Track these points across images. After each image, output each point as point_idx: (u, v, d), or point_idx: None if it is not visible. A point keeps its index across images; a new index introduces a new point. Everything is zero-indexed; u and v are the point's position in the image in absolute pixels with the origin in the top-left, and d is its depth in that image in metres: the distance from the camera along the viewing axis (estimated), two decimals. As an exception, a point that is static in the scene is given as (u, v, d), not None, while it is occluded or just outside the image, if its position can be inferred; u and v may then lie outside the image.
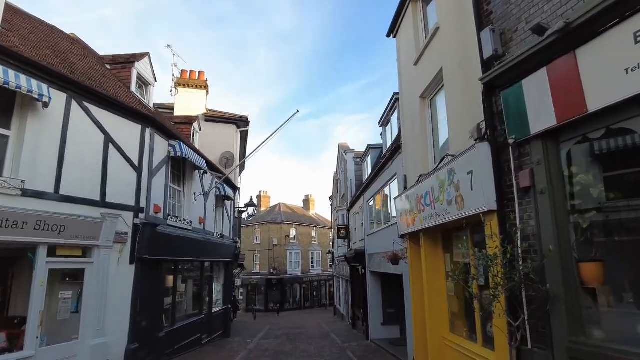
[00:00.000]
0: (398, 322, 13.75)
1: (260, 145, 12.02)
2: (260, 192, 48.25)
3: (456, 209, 5.76)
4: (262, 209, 47.20)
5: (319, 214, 52.39)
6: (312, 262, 45.47)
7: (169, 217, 10.06)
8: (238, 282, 43.42)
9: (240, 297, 43.07)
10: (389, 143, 13.02)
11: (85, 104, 7.64)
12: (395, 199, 9.17)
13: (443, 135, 7.64)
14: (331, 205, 31.57)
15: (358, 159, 20.64)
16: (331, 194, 31.79)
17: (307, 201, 52.29)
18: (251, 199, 17.17)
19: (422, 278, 7.89)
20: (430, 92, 7.90)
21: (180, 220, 10.81)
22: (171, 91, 17.32)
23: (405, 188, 8.80)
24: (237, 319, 30.36)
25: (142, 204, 8.81)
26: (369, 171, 16.12)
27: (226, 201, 15.46)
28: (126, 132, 8.66)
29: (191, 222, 11.49)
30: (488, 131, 5.11)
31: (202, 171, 12.04)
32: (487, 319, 6.01)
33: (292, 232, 43.34)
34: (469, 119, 5.84)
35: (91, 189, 7.63)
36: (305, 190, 69.13)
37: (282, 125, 11.97)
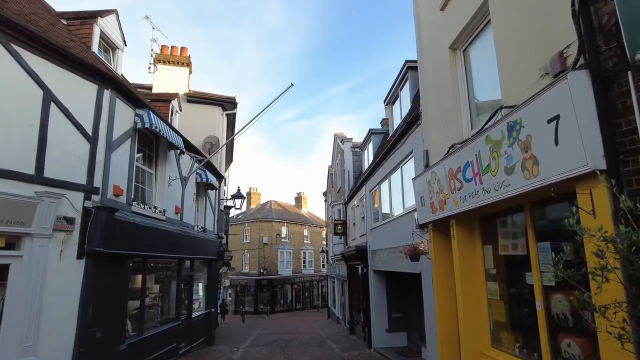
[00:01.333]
0: (405, 329, 12.07)
1: (253, 120, 10.25)
2: (250, 189, 46.30)
3: (522, 177, 4.06)
4: (252, 206, 45.29)
5: (311, 213, 50.63)
6: (304, 262, 43.68)
7: (134, 203, 8.22)
8: (226, 283, 41.47)
9: (229, 299, 41.12)
10: (396, 123, 11.34)
11: (15, 47, 5.79)
12: (413, 180, 7.46)
13: (482, 92, 5.98)
14: (325, 201, 29.82)
15: (357, 149, 18.96)
16: (325, 190, 30.05)
17: (299, 199, 50.47)
18: (238, 190, 15.40)
19: (454, 277, 6.20)
20: (463, 40, 6.21)
21: (151, 208, 8.97)
22: (149, 68, 15.43)
23: (427, 166, 7.11)
24: (225, 322, 28.48)
25: (97, 183, 6.97)
26: (371, 159, 14.43)
27: (209, 190, 13.63)
28: (76, 91, 6.81)
29: (165, 210, 9.65)
30: (586, 54, 3.42)
31: (178, 151, 10.20)
32: (558, 332, 4.34)
33: (284, 231, 41.50)
34: (536, 52, 4.17)
35: (22, 159, 5.77)
36: (296, 189, 67.06)
37: (275, 100, 10.23)
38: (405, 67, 10.09)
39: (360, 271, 14.67)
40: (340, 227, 18.12)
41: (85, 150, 6.85)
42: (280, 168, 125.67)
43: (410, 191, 8.79)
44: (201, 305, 13.75)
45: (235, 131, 18.26)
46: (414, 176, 7.67)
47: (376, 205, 12.27)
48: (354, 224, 16.80)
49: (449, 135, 6.43)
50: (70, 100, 6.63)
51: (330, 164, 26.84)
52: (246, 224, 41.29)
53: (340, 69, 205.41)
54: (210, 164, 13.63)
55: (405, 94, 10.54)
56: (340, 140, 20.42)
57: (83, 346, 6.42)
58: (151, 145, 9.65)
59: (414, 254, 6.98)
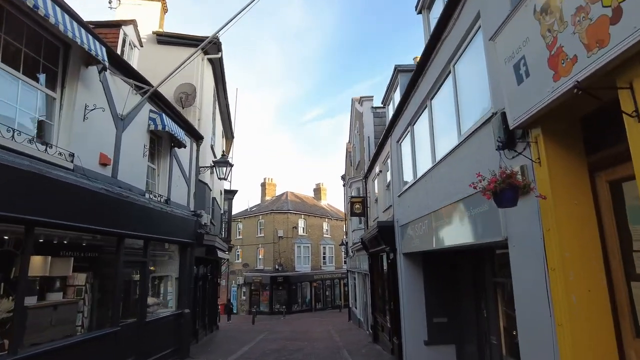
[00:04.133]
0: (454, 340, 8.13)
1: (233, 19, 6.75)
2: (265, 179, 42.98)
3: None
4: (267, 197, 41.94)
5: (331, 205, 46.75)
6: (324, 258, 39.89)
7: (-19, 124, 4.71)
8: (240, 281, 38.25)
9: (243, 297, 37.93)
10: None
11: None
12: (495, 38, 3.56)
13: None
14: (344, 185, 26.03)
15: (379, 110, 15.11)
16: (344, 173, 26.28)
17: (318, 190, 46.71)
18: (223, 155, 11.85)
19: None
20: None
21: (38, 144, 5.46)
22: (110, 2, 12.08)
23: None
24: (231, 323, 25.19)
25: None
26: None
27: (176, 149, 10.07)
28: None
29: (73, 155, 6.13)
30: None
31: (99, 67, 6.66)
32: None
33: (301, 223, 37.85)
34: None
35: None
36: (316, 183, 60.93)
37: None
38: None
39: (385, 259, 10.82)
40: (358, 206, 14.25)
41: None
42: (303, 166, 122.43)
43: (471, 102, 4.93)
44: (170, 304, 10.28)
45: (227, 86, 14.76)
46: (483, 57, 3.80)
47: (408, 159, 8.37)
48: (376, 199, 12.92)
49: None
50: None
51: (348, 141, 23.07)
52: (260, 216, 37.93)
53: (364, 66, 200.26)
54: (178, 115, 10.14)
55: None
56: (358, 102, 16.58)
57: None
58: (54, 55, 6.16)
59: (507, 190, 3.06)
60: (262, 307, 35.13)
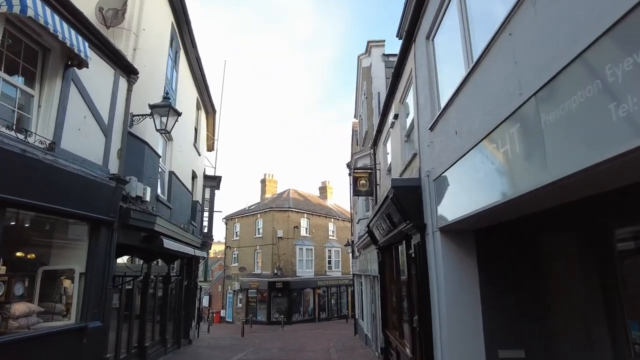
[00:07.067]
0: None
1: None
2: (265, 175, 39.36)
3: None
4: (267, 195, 38.28)
5: (338, 205, 42.85)
6: (330, 262, 35.95)
7: None
8: (236, 286, 34.55)
9: (239, 305, 34.19)
10: None
11: None
12: None
13: None
14: (349, 174, 22.28)
15: (392, 59, 11.42)
16: (349, 160, 22.53)
17: (324, 189, 42.89)
18: (166, 96, 8.25)
19: None
20: None
21: None
22: None
23: None
24: (217, 336, 21.48)
25: None
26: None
27: (77, 71, 6.45)
28: None
29: None
30: None
31: None
32: None
33: (303, 223, 34.06)
34: None
35: None
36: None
37: None
38: None
39: (404, 250, 7.01)
40: (364, 182, 10.44)
41: None
42: (310, 169, 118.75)
43: None
44: (75, 312, 6.63)
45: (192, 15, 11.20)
46: None
47: (452, 48, 4.60)
48: (389, 169, 9.12)
49: None
50: None
51: (354, 117, 19.40)
52: (258, 215, 34.27)
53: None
54: (81, 20, 6.54)
55: None
56: (365, 53, 12.88)
57: None
58: None
59: None
60: (260, 316, 31.44)
